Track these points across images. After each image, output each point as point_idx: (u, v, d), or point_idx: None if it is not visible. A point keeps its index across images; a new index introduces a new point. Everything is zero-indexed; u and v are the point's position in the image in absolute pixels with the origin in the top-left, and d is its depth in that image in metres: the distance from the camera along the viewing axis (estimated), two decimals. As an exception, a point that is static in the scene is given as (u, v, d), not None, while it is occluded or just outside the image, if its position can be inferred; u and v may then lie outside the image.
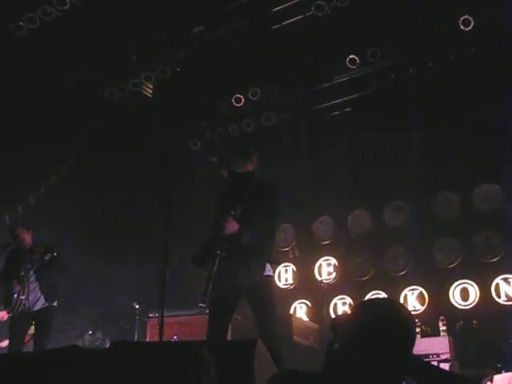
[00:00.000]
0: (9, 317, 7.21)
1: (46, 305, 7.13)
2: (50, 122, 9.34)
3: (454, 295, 9.14)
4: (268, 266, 5.00)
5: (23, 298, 6.97)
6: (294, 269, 10.73)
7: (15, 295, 6.95)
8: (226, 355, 3.06)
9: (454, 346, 7.59)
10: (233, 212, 4.76)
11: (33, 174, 9.80)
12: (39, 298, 7.12)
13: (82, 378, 3.08)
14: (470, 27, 8.41)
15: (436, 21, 8.67)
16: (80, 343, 9.42)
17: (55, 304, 7.29)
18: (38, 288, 7.12)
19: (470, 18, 8.35)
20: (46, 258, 6.93)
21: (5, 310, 7.17)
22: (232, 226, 4.75)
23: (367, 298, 9.03)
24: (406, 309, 2.36)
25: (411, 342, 2.20)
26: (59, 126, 9.49)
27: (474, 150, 9.09)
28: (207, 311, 5.28)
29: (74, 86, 9.44)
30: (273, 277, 5.13)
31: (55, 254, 6.96)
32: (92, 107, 9.88)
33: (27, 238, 7.29)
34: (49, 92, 9.15)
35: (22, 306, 6.99)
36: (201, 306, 4.92)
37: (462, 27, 8.43)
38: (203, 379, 2.79)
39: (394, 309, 2.25)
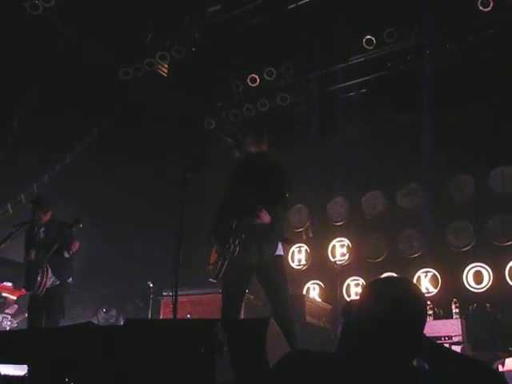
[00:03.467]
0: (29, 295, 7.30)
1: (57, 282, 7.15)
2: (63, 102, 9.38)
3: (468, 278, 9.13)
4: (279, 246, 5.06)
5: (46, 280, 6.98)
6: (308, 249, 10.77)
7: (39, 278, 6.93)
8: (239, 333, 3.09)
9: (467, 328, 7.59)
10: (274, 211, 4.89)
11: (48, 153, 9.84)
12: (51, 276, 7.13)
13: (96, 354, 3.12)
14: (489, 8, 8.28)
15: (454, 1, 8.55)
16: (94, 320, 9.53)
17: (69, 280, 7.31)
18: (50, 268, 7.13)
19: (489, -1, 8.24)
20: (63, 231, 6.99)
21: (27, 291, 7.23)
22: (266, 219, 4.87)
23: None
24: (418, 287, 2.36)
25: (423, 321, 2.21)
26: (74, 105, 9.52)
27: (489, 132, 9.01)
28: (220, 290, 5.35)
29: (88, 65, 9.45)
30: (283, 256, 5.20)
31: (75, 228, 7.01)
32: (107, 86, 9.89)
33: (44, 217, 7.32)
34: (64, 70, 9.16)
35: (44, 289, 6.99)
36: (211, 281, 5.04)
37: (480, 8, 8.31)
38: (216, 357, 2.82)
39: (405, 288, 2.25)
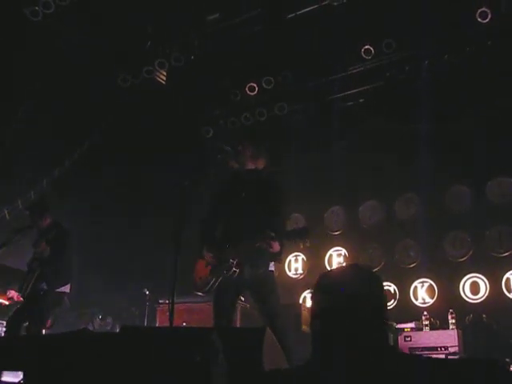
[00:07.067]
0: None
1: (45, 287, 7.02)
2: (62, 104, 9.39)
3: (464, 289, 9.11)
4: (271, 263, 5.10)
5: (29, 281, 6.89)
6: (304, 258, 10.75)
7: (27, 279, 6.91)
8: (235, 342, 3.08)
9: (463, 339, 7.59)
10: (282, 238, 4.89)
11: (46, 159, 9.84)
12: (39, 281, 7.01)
13: (92, 361, 3.11)
14: (487, 20, 8.32)
15: (452, 12, 8.59)
16: (90, 328, 9.49)
17: (62, 289, 7.17)
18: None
19: (488, 11, 8.26)
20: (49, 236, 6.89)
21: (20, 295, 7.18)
22: (277, 248, 4.89)
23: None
24: (368, 270, 2.33)
25: (377, 297, 2.16)
26: (72, 112, 9.52)
27: (486, 143, 9.02)
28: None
29: (87, 72, 9.46)
30: (273, 271, 5.22)
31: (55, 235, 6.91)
32: (105, 92, 9.90)
33: (41, 223, 7.23)
34: (61, 77, 9.18)
35: (27, 290, 6.90)
36: (197, 293, 5.06)
37: (479, 19, 8.35)
38: (212, 365, 2.81)
39: (352, 270, 2.23)
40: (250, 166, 5.30)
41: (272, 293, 5.06)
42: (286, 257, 10.51)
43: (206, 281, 5.03)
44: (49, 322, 7.06)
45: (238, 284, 5.07)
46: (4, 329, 8.65)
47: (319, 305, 2.16)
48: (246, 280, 5.01)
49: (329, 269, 9.97)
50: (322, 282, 2.24)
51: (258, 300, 5.10)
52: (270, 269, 5.11)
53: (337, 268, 2.17)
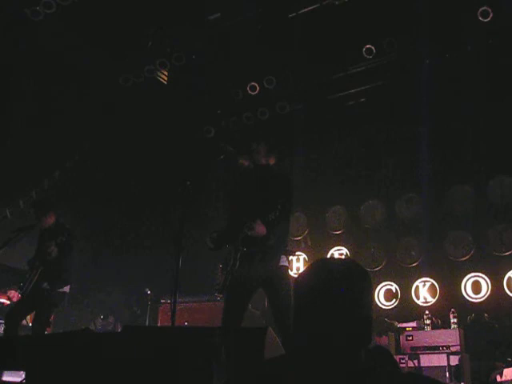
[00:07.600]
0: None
1: (48, 287, 7.01)
2: (64, 108, 9.40)
3: (466, 288, 9.11)
4: (283, 257, 5.07)
5: (32, 279, 6.90)
6: (306, 258, 10.74)
7: (30, 277, 6.91)
8: (236, 342, 3.08)
9: (465, 338, 7.59)
10: (267, 218, 4.87)
11: (47, 160, 9.84)
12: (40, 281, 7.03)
13: (94, 361, 3.11)
14: (489, 18, 8.31)
15: (454, 11, 8.58)
16: (92, 327, 9.50)
17: (65, 289, 7.17)
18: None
19: (489, 9, 8.26)
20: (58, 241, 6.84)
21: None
22: (261, 230, 4.89)
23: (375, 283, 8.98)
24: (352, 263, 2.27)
25: (356, 289, 2.10)
26: (73, 112, 9.53)
27: (488, 143, 9.02)
28: (218, 298, 5.35)
29: (89, 72, 9.47)
30: (288, 267, 5.21)
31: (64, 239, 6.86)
32: (107, 93, 9.91)
33: (45, 220, 7.21)
34: (63, 77, 9.18)
35: (28, 288, 6.91)
36: (217, 296, 5.05)
37: (480, 18, 8.34)
38: (213, 365, 2.81)
39: (335, 261, 2.18)
40: (263, 162, 5.35)
41: (284, 289, 4.95)
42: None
43: (219, 281, 5.04)
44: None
45: (248, 285, 5.05)
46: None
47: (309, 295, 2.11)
48: (258, 277, 4.99)
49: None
50: (315, 272, 2.18)
51: (270, 295, 5.08)
52: (281, 263, 5.07)
53: (326, 261, 2.06)
